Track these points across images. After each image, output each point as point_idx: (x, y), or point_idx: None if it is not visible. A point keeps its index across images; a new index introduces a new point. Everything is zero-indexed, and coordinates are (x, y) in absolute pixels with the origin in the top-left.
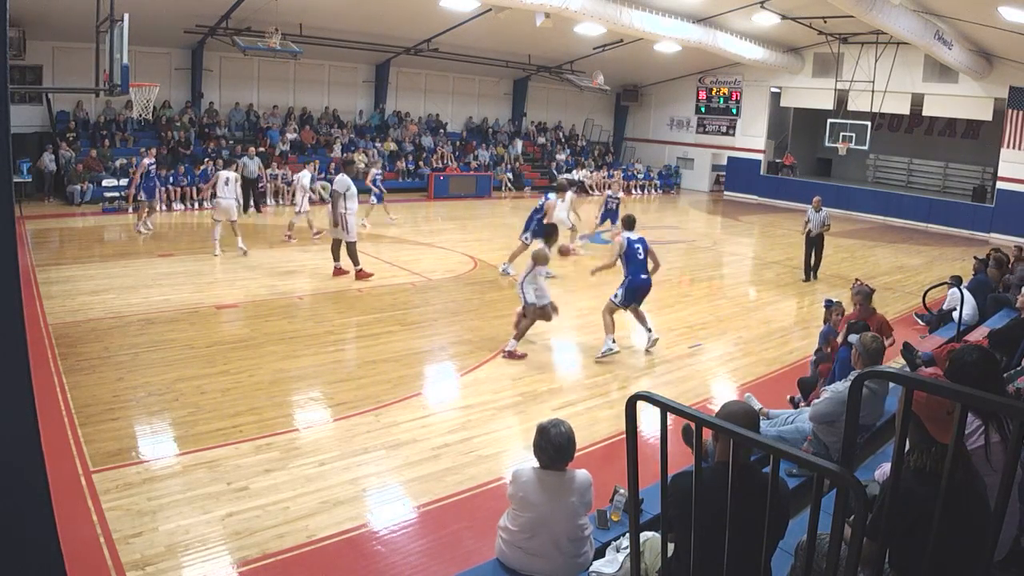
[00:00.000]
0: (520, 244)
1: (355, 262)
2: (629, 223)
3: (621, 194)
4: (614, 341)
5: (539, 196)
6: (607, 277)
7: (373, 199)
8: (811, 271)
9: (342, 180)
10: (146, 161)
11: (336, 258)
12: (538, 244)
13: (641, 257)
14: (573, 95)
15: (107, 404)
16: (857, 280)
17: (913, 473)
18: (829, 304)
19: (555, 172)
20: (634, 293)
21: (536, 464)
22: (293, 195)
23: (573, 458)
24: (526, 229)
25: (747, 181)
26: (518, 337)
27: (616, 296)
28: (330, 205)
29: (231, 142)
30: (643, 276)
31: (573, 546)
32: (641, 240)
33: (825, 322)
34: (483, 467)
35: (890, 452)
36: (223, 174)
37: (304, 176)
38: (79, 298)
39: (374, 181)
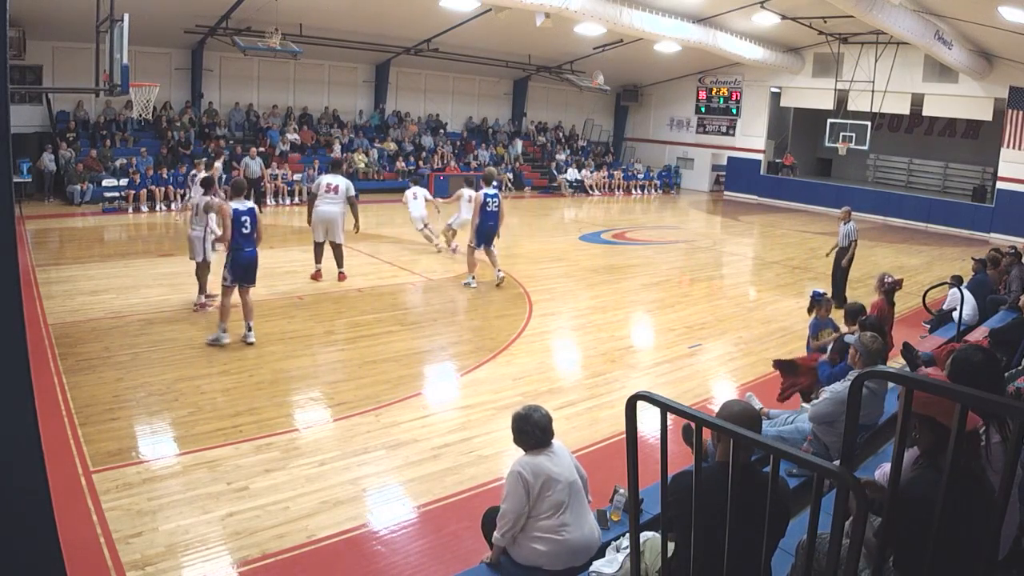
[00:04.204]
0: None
1: (339, 264)
2: (237, 189)
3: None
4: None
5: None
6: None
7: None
8: (837, 294)
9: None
10: (217, 164)
11: (339, 264)
12: None
13: (247, 231)
14: (573, 95)
15: (107, 404)
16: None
17: (936, 472)
18: (818, 297)
19: (555, 172)
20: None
21: (522, 453)
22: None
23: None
24: None
25: (747, 181)
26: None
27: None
28: (349, 206)
29: (231, 142)
30: (247, 250)
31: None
32: (250, 211)
33: (809, 311)
34: (483, 467)
35: (890, 452)
36: None
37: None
38: (79, 298)
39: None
